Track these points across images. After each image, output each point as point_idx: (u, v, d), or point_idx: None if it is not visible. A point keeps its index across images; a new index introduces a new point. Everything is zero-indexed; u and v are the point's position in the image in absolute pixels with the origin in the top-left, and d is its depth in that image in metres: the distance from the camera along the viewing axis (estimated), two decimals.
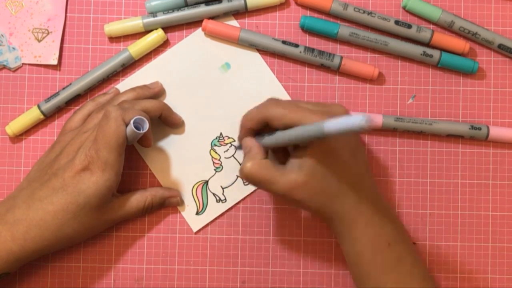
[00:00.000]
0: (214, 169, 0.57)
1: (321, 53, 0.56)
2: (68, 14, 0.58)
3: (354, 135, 0.51)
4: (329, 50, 0.58)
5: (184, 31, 0.58)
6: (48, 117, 0.57)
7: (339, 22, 0.58)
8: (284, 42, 0.56)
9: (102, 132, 0.49)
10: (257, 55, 0.58)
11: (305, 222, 0.57)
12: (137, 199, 0.54)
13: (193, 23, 0.58)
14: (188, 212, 0.57)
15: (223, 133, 0.57)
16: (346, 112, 0.50)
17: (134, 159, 0.57)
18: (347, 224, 0.49)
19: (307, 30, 0.57)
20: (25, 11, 0.57)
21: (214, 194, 0.57)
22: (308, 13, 0.58)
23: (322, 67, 0.57)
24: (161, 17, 0.56)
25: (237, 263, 0.57)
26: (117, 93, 0.56)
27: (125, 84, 0.57)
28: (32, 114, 0.56)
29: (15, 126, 0.56)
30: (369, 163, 0.54)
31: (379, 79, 0.58)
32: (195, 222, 0.57)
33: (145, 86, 0.56)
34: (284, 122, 0.48)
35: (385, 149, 0.57)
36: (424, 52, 0.57)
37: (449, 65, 0.57)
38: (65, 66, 0.58)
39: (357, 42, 0.57)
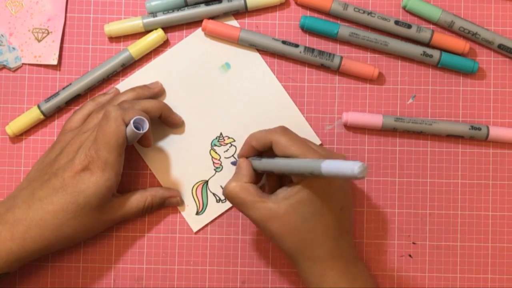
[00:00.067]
0: (214, 169, 0.57)
1: (321, 53, 0.56)
2: (68, 14, 0.58)
3: (348, 191, 0.51)
4: (329, 50, 0.58)
5: (184, 31, 0.58)
6: (48, 117, 0.57)
7: (339, 22, 0.58)
8: (284, 42, 0.56)
9: (102, 132, 0.49)
10: (257, 55, 0.58)
11: None
12: (137, 199, 0.54)
13: (193, 23, 0.58)
14: (188, 212, 0.57)
15: (223, 133, 0.57)
16: None
17: (134, 159, 0.57)
18: (317, 274, 0.49)
19: (307, 30, 0.57)
20: (25, 11, 0.57)
21: (214, 194, 0.57)
22: (308, 13, 0.58)
23: (322, 67, 0.57)
24: (161, 17, 0.56)
25: (237, 263, 0.57)
26: (117, 93, 0.56)
27: (125, 84, 0.57)
28: (32, 114, 0.56)
29: (15, 126, 0.56)
30: (353, 222, 0.54)
31: (379, 79, 0.58)
32: (195, 222, 0.57)
33: (145, 86, 0.56)
34: (286, 151, 0.48)
35: (385, 149, 0.57)
36: (424, 52, 0.57)
37: (449, 65, 0.57)
38: (65, 66, 0.58)
39: (357, 42, 0.57)
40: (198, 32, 0.58)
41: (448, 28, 0.57)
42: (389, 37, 0.57)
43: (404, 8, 0.58)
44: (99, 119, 0.52)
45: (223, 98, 0.57)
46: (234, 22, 0.58)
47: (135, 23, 0.56)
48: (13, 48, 0.57)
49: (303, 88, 0.58)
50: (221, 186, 0.57)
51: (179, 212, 0.57)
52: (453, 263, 0.57)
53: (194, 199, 0.57)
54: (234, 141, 0.57)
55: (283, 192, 0.49)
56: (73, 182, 0.49)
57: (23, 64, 0.57)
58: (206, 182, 0.57)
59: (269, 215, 0.48)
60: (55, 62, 0.57)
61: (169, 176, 0.57)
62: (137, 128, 0.50)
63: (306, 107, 0.57)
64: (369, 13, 0.56)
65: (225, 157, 0.57)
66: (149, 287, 0.56)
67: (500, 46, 0.57)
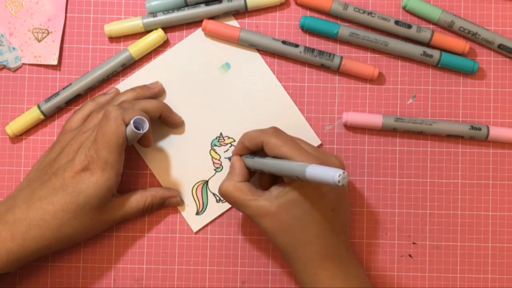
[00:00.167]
0: (214, 169, 0.57)
1: (321, 53, 0.56)
2: (68, 14, 0.58)
3: (340, 193, 0.51)
4: (329, 50, 0.58)
5: (184, 31, 0.58)
6: (48, 117, 0.57)
7: (339, 22, 0.58)
8: (284, 42, 0.56)
9: (102, 132, 0.49)
10: (257, 55, 0.58)
11: None
12: (137, 199, 0.54)
13: (193, 23, 0.58)
14: (188, 212, 0.57)
15: (223, 133, 0.57)
16: (341, 165, 0.51)
17: (134, 159, 0.57)
18: (309, 274, 0.49)
19: (307, 30, 0.57)
20: (25, 11, 0.57)
21: (214, 194, 0.57)
22: (308, 13, 0.58)
23: (322, 67, 0.57)
24: (161, 17, 0.56)
25: (237, 263, 0.57)
26: (117, 93, 0.56)
27: (125, 84, 0.57)
28: (32, 114, 0.56)
29: (15, 126, 0.56)
30: (349, 223, 0.54)
31: (379, 79, 0.58)
32: (195, 222, 0.57)
33: (145, 86, 0.56)
34: (277, 152, 0.49)
35: (385, 149, 0.57)
36: (424, 52, 0.57)
37: (449, 65, 0.57)
38: (65, 66, 0.58)
39: (357, 42, 0.57)
40: (198, 32, 0.58)
41: (448, 28, 0.57)
42: (389, 37, 0.57)
43: (404, 8, 0.58)
44: (99, 119, 0.52)
45: (223, 98, 0.57)
46: (234, 22, 0.58)
47: (135, 23, 0.56)
48: (13, 48, 0.57)
49: (303, 88, 0.58)
50: None
51: (179, 212, 0.57)
52: (453, 263, 0.57)
53: (194, 199, 0.57)
54: (234, 141, 0.57)
55: (275, 190, 0.49)
56: (73, 182, 0.49)
57: (23, 64, 0.57)
58: (206, 182, 0.57)
59: (262, 212, 0.49)
60: (55, 62, 0.57)
61: (169, 176, 0.57)
62: (137, 128, 0.50)
63: (306, 107, 0.57)
64: (369, 13, 0.56)
65: (225, 157, 0.57)
66: (149, 287, 0.56)
67: (500, 46, 0.57)
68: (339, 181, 0.39)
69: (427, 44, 0.57)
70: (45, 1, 0.57)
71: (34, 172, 0.53)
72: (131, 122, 0.49)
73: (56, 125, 0.57)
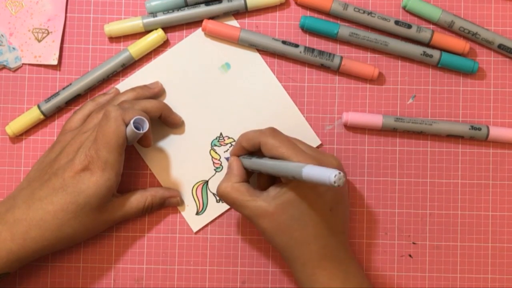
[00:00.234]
0: (214, 169, 0.57)
1: (321, 53, 0.56)
2: (68, 14, 0.58)
3: (339, 193, 0.51)
4: (329, 50, 0.58)
5: (184, 31, 0.58)
6: (48, 117, 0.57)
7: (339, 22, 0.58)
8: (284, 42, 0.56)
9: (102, 132, 0.49)
10: (257, 55, 0.58)
11: None
12: (137, 199, 0.54)
13: (193, 23, 0.58)
14: (188, 212, 0.57)
15: (223, 133, 0.57)
16: (338, 165, 0.51)
17: (134, 159, 0.57)
18: (307, 274, 0.49)
19: (307, 30, 0.57)
20: (25, 11, 0.57)
21: (214, 194, 0.57)
22: (308, 13, 0.58)
23: (322, 67, 0.57)
24: (161, 17, 0.56)
25: (237, 263, 0.57)
26: (117, 93, 0.56)
27: (125, 84, 0.57)
28: (32, 114, 0.56)
29: (15, 126, 0.56)
30: (348, 223, 0.54)
31: (379, 79, 0.58)
32: (195, 222, 0.57)
33: (145, 86, 0.56)
34: (274, 153, 0.49)
35: (385, 149, 0.57)
36: (424, 52, 0.57)
37: (449, 65, 0.57)
38: (65, 66, 0.58)
39: (357, 42, 0.57)
40: (198, 32, 0.58)
41: (448, 28, 0.57)
42: (389, 37, 0.57)
43: (404, 8, 0.58)
44: (99, 119, 0.52)
45: (223, 98, 0.57)
46: (234, 22, 0.58)
47: (135, 23, 0.56)
48: (13, 48, 0.57)
49: (303, 88, 0.58)
50: None
51: (179, 212, 0.57)
52: (453, 263, 0.57)
53: (194, 199, 0.57)
54: (234, 141, 0.57)
55: (273, 191, 0.49)
56: (73, 182, 0.49)
57: (23, 64, 0.57)
58: (206, 182, 0.57)
59: (260, 213, 0.49)
60: (55, 62, 0.57)
61: (169, 176, 0.57)
62: (137, 128, 0.50)
63: (306, 107, 0.58)
64: (369, 13, 0.56)
65: (225, 157, 0.57)
66: (149, 287, 0.56)
67: (500, 46, 0.57)
68: (334, 182, 0.40)
69: (427, 44, 0.57)
70: (45, 1, 0.57)
71: (34, 172, 0.53)
72: (131, 122, 0.49)
73: (56, 125, 0.57)
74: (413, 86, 0.58)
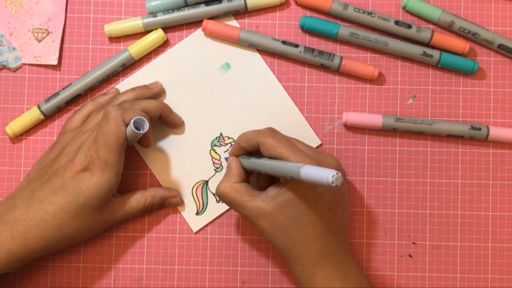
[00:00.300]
0: (214, 169, 0.57)
1: (321, 53, 0.56)
2: (68, 14, 0.58)
3: (338, 193, 0.51)
4: (329, 50, 0.58)
5: (184, 31, 0.58)
6: (48, 117, 0.57)
7: (339, 22, 0.58)
8: (284, 42, 0.56)
9: (102, 132, 0.49)
10: (257, 55, 0.58)
11: None
12: (137, 199, 0.54)
13: (193, 23, 0.58)
14: (188, 212, 0.57)
15: (223, 133, 0.57)
16: (337, 165, 0.51)
17: (134, 159, 0.57)
18: (307, 274, 0.49)
19: (307, 30, 0.57)
20: (25, 11, 0.57)
21: (214, 194, 0.57)
22: (308, 13, 0.58)
23: (322, 67, 0.57)
24: (161, 17, 0.56)
25: (237, 263, 0.57)
26: (117, 93, 0.56)
27: (125, 84, 0.57)
28: (32, 114, 0.56)
29: (15, 126, 0.56)
30: (348, 223, 0.54)
31: (379, 79, 0.58)
32: (195, 222, 0.57)
33: (145, 86, 0.56)
34: (272, 153, 0.49)
35: (385, 149, 0.57)
36: (424, 52, 0.57)
37: (449, 65, 0.57)
38: (65, 66, 0.58)
39: (357, 42, 0.57)
40: (198, 32, 0.58)
41: (448, 28, 0.57)
42: (389, 37, 0.57)
43: (404, 8, 0.58)
44: (99, 119, 0.52)
45: (223, 98, 0.57)
46: (234, 22, 0.58)
47: (135, 23, 0.56)
48: (13, 48, 0.57)
49: (303, 88, 0.58)
50: None
51: (179, 212, 0.57)
52: (453, 263, 0.57)
53: (194, 199, 0.57)
54: (234, 141, 0.57)
55: (272, 191, 0.49)
56: (73, 182, 0.49)
57: (23, 64, 0.57)
58: (206, 182, 0.57)
59: (259, 213, 0.49)
60: (55, 62, 0.57)
61: (169, 176, 0.57)
62: (137, 128, 0.50)
63: (306, 107, 0.58)
64: (369, 13, 0.56)
65: (225, 157, 0.57)
66: (149, 287, 0.56)
67: (500, 46, 0.57)
68: (332, 182, 0.40)
69: (427, 44, 0.57)
70: (45, 1, 0.57)
71: (34, 172, 0.53)
72: (131, 122, 0.49)
73: (56, 125, 0.57)
74: (413, 86, 0.58)
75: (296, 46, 0.56)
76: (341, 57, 0.56)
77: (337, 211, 0.50)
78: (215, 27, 0.56)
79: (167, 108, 0.55)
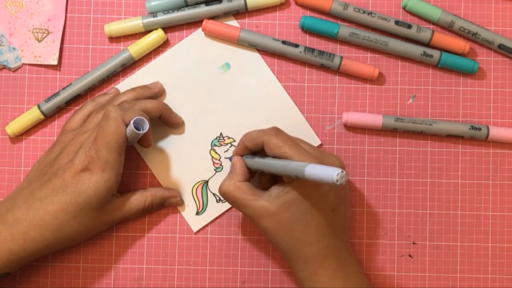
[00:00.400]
0: (214, 169, 0.57)
1: (321, 53, 0.56)
2: (68, 14, 0.58)
3: (341, 193, 0.51)
4: (329, 50, 0.58)
5: (184, 31, 0.58)
6: (48, 117, 0.57)
7: (339, 22, 0.58)
8: (284, 42, 0.56)
9: (102, 132, 0.49)
10: (257, 55, 0.58)
11: None
12: (137, 199, 0.54)
13: (193, 23, 0.58)
14: (188, 212, 0.57)
15: (223, 133, 0.57)
16: (341, 165, 0.51)
17: (134, 159, 0.57)
18: (309, 273, 0.49)
19: (307, 30, 0.57)
20: (25, 11, 0.57)
21: (214, 194, 0.57)
22: (308, 13, 0.58)
23: (322, 67, 0.57)
24: (161, 17, 0.56)
25: (237, 263, 0.57)
26: (117, 93, 0.56)
27: (125, 84, 0.57)
28: (32, 114, 0.56)
29: (15, 126, 0.56)
30: (349, 223, 0.54)
31: (379, 79, 0.58)
32: (195, 222, 0.57)
33: (145, 86, 0.56)
34: (277, 152, 0.49)
35: (385, 149, 0.57)
36: (424, 52, 0.57)
37: (449, 65, 0.57)
38: (65, 66, 0.58)
39: (357, 42, 0.57)
40: (198, 32, 0.58)
41: (448, 28, 0.57)
42: (389, 37, 0.57)
43: (404, 8, 0.58)
44: (99, 119, 0.52)
45: (223, 98, 0.57)
46: (234, 22, 0.58)
47: (135, 23, 0.56)
48: (13, 48, 0.57)
49: (303, 88, 0.58)
50: None
51: (179, 212, 0.57)
52: (453, 263, 0.57)
53: (194, 199, 0.57)
54: (234, 141, 0.57)
55: (275, 190, 0.49)
56: (73, 182, 0.49)
57: (23, 64, 0.57)
58: (206, 182, 0.57)
59: (262, 212, 0.49)
60: (55, 62, 0.57)
61: (169, 176, 0.57)
62: (137, 128, 0.50)
63: (306, 107, 0.58)
64: (369, 13, 0.56)
65: (225, 157, 0.57)
66: (149, 287, 0.56)
67: (500, 46, 0.57)
68: (337, 180, 0.40)
69: (427, 44, 0.57)
70: (45, 1, 0.57)
71: (34, 172, 0.53)
72: (131, 122, 0.49)
73: (56, 125, 0.57)
74: (413, 86, 0.58)
75: (296, 46, 0.56)
76: (341, 57, 0.56)
77: (340, 211, 0.50)
78: (215, 27, 0.56)
79: (167, 108, 0.55)
